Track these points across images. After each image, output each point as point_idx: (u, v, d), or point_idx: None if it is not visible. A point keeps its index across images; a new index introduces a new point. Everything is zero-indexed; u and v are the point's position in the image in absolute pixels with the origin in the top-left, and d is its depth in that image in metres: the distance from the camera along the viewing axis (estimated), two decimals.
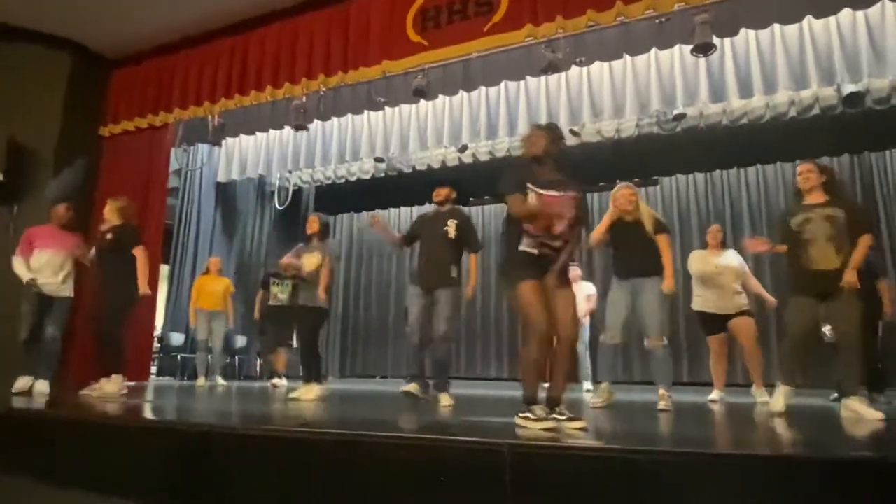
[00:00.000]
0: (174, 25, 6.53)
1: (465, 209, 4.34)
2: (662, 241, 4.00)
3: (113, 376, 4.40)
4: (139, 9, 6.20)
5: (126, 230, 4.60)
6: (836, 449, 2.26)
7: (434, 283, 4.10)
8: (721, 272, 4.79)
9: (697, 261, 4.94)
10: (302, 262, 4.55)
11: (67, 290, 4.77)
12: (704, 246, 5.05)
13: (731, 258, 4.91)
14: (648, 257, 3.95)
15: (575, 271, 6.98)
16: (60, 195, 5.45)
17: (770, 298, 5.20)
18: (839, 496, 1.66)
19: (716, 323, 4.83)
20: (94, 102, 7.01)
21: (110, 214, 4.62)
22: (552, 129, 2.90)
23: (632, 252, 4.01)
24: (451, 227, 4.16)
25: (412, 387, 4.02)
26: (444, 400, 3.99)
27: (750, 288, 5.00)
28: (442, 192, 4.35)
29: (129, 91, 6.99)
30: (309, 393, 4.35)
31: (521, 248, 2.67)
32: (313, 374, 4.54)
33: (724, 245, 4.97)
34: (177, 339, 8.05)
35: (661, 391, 3.86)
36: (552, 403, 2.61)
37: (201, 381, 6.72)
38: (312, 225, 4.74)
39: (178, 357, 8.02)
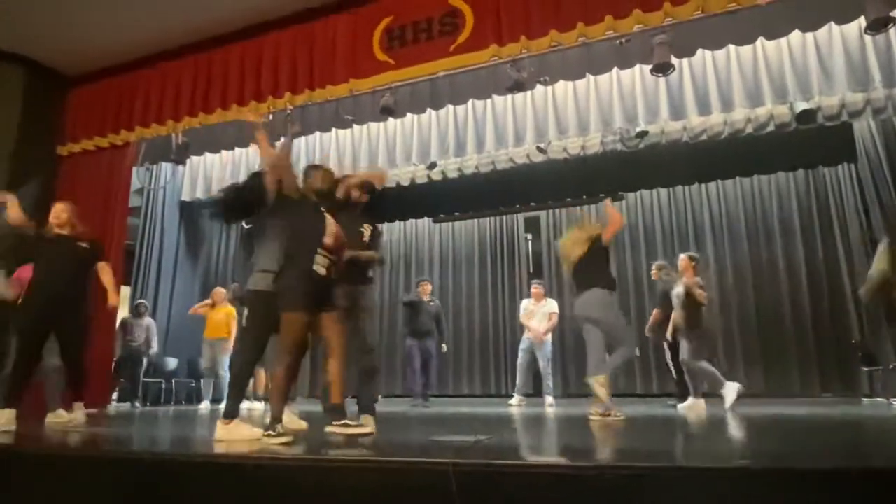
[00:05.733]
0: (134, 43, 6.41)
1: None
2: None
3: (78, 404, 4.27)
4: (96, 26, 6.07)
5: (96, 244, 4.39)
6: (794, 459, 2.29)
7: None
8: None
9: None
10: None
11: None
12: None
13: None
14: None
15: (538, 289, 7.06)
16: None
17: None
18: None
19: None
20: (50, 121, 6.81)
21: (72, 220, 4.19)
22: (318, 172, 3.19)
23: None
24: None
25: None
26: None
27: None
28: None
29: (89, 109, 6.81)
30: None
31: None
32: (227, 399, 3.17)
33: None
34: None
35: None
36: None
37: (204, 405, 7.02)
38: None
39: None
